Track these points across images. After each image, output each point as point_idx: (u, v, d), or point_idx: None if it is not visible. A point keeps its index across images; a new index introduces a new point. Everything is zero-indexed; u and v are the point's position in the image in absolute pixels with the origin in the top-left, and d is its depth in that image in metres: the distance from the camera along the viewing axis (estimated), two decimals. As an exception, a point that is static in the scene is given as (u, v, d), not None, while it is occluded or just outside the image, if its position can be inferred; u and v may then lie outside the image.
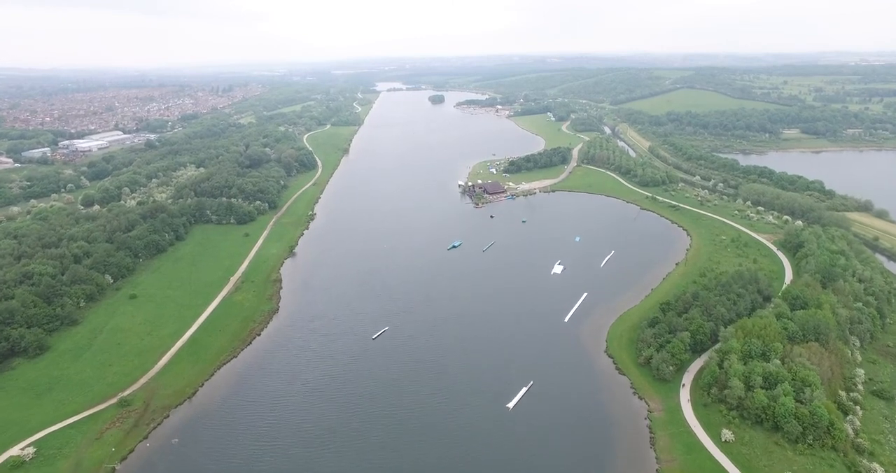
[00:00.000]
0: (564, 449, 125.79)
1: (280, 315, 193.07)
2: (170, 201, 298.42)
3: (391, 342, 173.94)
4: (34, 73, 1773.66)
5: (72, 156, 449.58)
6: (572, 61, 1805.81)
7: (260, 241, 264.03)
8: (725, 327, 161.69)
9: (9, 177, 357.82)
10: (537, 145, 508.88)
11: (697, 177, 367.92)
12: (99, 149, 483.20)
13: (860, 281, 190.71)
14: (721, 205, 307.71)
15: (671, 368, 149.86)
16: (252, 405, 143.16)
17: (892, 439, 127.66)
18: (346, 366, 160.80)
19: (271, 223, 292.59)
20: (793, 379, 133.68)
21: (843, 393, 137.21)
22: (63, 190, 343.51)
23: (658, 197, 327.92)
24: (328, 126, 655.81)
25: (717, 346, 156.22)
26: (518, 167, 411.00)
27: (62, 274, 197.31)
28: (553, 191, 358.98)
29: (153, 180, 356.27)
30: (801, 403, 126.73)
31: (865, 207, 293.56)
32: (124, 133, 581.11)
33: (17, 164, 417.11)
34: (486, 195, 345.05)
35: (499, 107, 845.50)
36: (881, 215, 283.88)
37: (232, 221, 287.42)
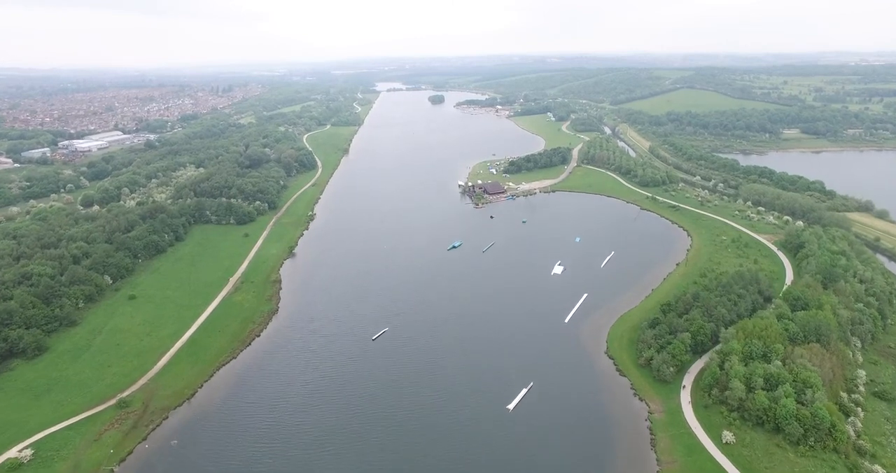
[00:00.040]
0: (565, 451, 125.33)
1: (279, 315, 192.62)
2: (169, 201, 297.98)
3: (391, 343, 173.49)
4: (34, 73, 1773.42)
5: (71, 156, 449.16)
6: (572, 61, 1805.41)
7: (259, 242, 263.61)
8: (726, 328, 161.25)
9: (8, 177, 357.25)
10: (537, 145, 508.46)
11: (698, 178, 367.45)
12: (98, 149, 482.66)
13: (861, 281, 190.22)
14: (721, 206, 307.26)
15: (672, 369, 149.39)
16: (251, 406, 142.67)
17: (893, 441, 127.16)
18: (345, 367, 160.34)
19: (271, 223, 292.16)
20: (794, 381, 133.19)
21: (844, 395, 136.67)
22: (62, 190, 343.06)
23: (658, 197, 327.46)
24: (328, 126, 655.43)
25: (718, 347, 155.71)
26: (518, 167, 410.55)
27: (61, 275, 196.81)
28: (553, 192, 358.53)
29: (153, 180, 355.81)
30: (803, 404, 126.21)
31: (866, 208, 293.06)
32: (124, 133, 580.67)
33: (16, 164, 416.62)
34: (486, 195, 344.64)
35: (499, 107, 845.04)
36: (882, 215, 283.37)
37: (231, 222, 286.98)
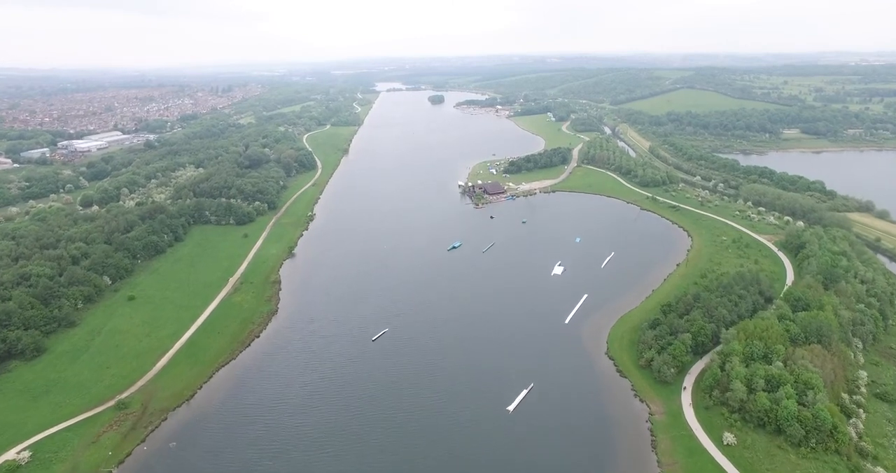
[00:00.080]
0: (565, 452, 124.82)
1: (279, 316, 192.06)
2: (169, 202, 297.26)
3: (391, 344, 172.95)
4: (34, 73, 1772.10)
5: (71, 156, 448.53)
6: (572, 61, 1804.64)
7: (259, 242, 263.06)
8: (727, 329, 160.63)
9: (7, 177, 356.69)
10: (537, 145, 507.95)
11: (698, 178, 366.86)
12: (98, 149, 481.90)
13: (862, 282, 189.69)
14: (722, 206, 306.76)
15: (672, 370, 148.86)
16: (250, 407, 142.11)
17: (895, 442, 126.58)
18: (345, 368, 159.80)
19: (270, 224, 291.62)
20: (795, 382, 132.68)
21: (845, 396, 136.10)
22: (62, 190, 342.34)
23: (658, 197, 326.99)
24: (328, 126, 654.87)
25: (719, 348, 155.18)
26: (518, 167, 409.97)
27: (60, 276, 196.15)
28: (553, 192, 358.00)
29: (152, 181, 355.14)
30: (804, 406, 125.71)
31: (867, 208, 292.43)
32: (123, 133, 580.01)
33: (15, 165, 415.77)
34: (486, 195, 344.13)
35: (499, 107, 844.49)
36: (882, 216, 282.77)
37: (231, 222, 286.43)
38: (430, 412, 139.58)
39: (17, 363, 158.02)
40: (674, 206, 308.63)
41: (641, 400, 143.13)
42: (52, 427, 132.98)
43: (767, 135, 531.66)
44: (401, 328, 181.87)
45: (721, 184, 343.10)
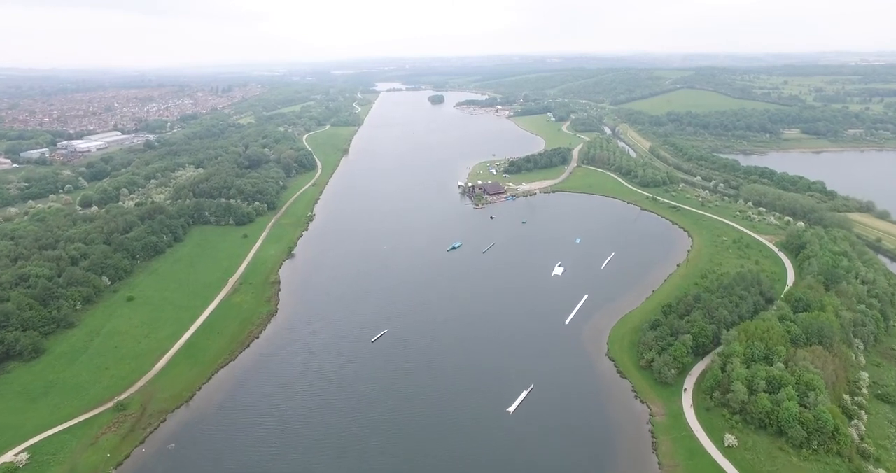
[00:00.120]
0: (566, 454, 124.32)
1: (278, 317, 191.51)
2: (168, 202, 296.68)
3: (391, 345, 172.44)
4: (34, 73, 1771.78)
5: (70, 156, 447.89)
6: (572, 61, 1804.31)
7: (259, 242, 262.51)
8: (728, 330, 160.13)
9: (7, 177, 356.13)
10: (537, 145, 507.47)
11: (698, 178, 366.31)
12: (98, 149, 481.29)
13: (863, 282, 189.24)
14: (722, 206, 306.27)
15: (673, 371, 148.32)
16: (250, 409, 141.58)
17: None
18: (344, 369, 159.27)
19: (270, 224, 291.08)
20: (796, 383, 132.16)
21: (847, 397, 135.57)
22: (61, 190, 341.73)
23: (659, 197, 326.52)
24: (328, 126, 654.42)
25: (720, 349, 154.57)
26: (518, 167, 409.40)
27: (59, 277, 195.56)
28: (553, 192, 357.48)
29: (151, 181, 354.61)
30: (806, 407, 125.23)
31: (867, 208, 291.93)
32: (123, 133, 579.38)
33: (15, 165, 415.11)
34: (485, 196, 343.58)
35: (499, 107, 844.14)
36: (883, 216, 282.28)
37: (231, 222, 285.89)
38: (431, 413, 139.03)
39: (16, 364, 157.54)
40: (674, 207, 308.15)
41: (642, 402, 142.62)
42: (50, 428, 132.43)
43: (768, 135, 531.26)
44: (400, 329, 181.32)
45: (721, 185, 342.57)
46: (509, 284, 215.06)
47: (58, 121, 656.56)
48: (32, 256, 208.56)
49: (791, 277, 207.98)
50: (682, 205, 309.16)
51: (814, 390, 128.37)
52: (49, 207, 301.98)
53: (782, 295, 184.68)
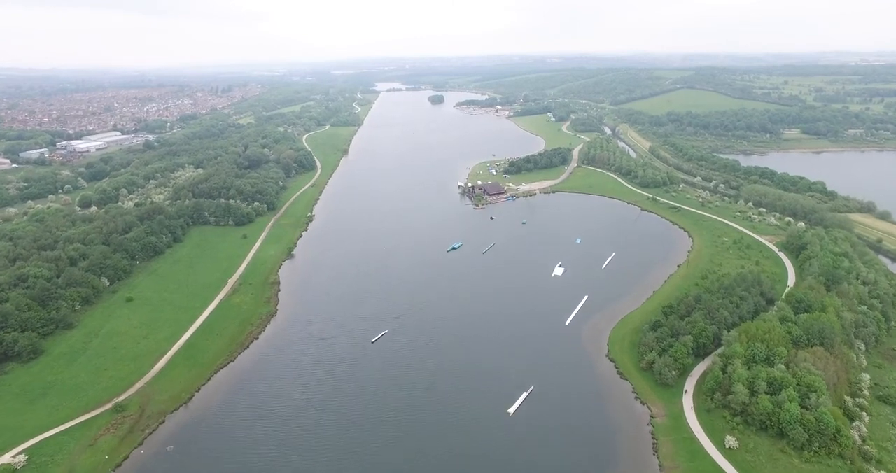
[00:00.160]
0: (566, 455, 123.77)
1: (278, 318, 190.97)
2: (167, 202, 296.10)
3: (390, 345, 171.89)
4: (33, 73, 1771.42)
5: (69, 156, 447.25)
6: (572, 61, 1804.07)
7: (258, 243, 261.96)
8: (728, 331, 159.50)
9: (6, 177, 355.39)
10: (537, 146, 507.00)
11: (698, 178, 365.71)
12: (97, 149, 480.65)
13: (864, 283, 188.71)
14: (722, 207, 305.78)
15: (674, 373, 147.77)
16: (249, 410, 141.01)
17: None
18: (344, 371, 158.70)
19: (270, 224, 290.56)
20: (798, 385, 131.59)
21: (848, 399, 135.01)
22: (60, 191, 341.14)
23: (659, 198, 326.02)
24: (327, 126, 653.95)
25: (721, 350, 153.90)
26: (518, 168, 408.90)
27: (57, 277, 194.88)
28: (553, 192, 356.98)
29: (151, 181, 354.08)
30: (807, 409, 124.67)
31: (868, 208, 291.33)
32: (123, 133, 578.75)
33: (14, 165, 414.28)
34: (485, 196, 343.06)
35: (498, 107, 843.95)
36: (884, 216, 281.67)
37: (230, 223, 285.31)
38: (430, 414, 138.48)
39: (14, 365, 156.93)
40: (674, 207, 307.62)
41: (642, 403, 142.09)
42: (48, 430, 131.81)
43: (768, 135, 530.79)
44: (400, 329, 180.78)
45: (722, 185, 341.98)
46: (509, 285, 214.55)
47: (57, 121, 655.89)
48: (31, 257, 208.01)
49: (792, 278, 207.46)
50: (683, 206, 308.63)
51: (815, 391, 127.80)
52: (48, 208, 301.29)
53: (783, 296, 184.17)
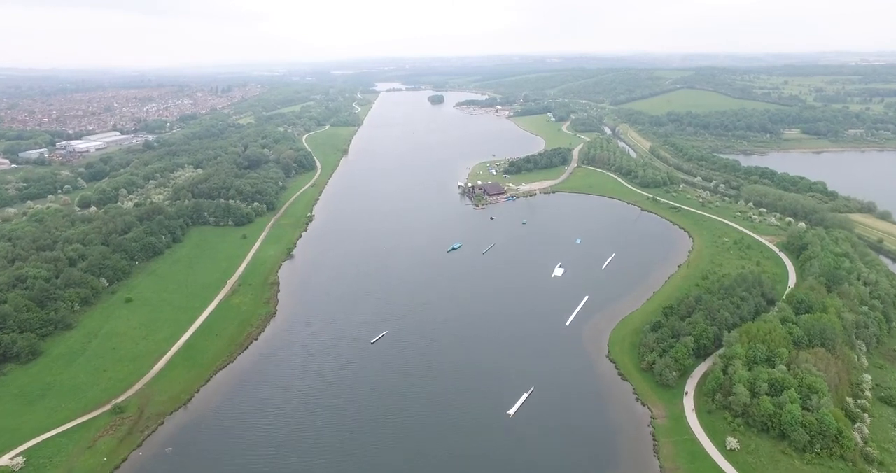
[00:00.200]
0: (566, 457, 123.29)
1: (277, 318, 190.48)
2: (167, 203, 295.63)
3: (390, 346, 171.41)
4: (33, 73, 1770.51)
5: (69, 156, 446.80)
6: (572, 61, 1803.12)
7: (258, 243, 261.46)
8: (729, 331, 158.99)
9: (5, 178, 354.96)
10: (537, 146, 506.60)
11: (699, 178, 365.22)
12: (97, 149, 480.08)
13: (865, 284, 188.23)
14: (723, 207, 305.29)
15: (674, 374, 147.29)
16: (248, 411, 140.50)
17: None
18: (344, 371, 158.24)
19: (269, 225, 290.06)
20: (799, 386, 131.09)
21: (850, 400, 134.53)
22: (60, 191, 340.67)
23: (659, 198, 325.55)
24: (327, 126, 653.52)
25: (721, 351, 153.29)
26: (518, 168, 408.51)
27: (56, 278, 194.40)
28: (553, 193, 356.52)
29: (150, 181, 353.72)
30: (808, 410, 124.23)
31: (868, 209, 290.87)
32: (122, 134, 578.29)
33: (13, 165, 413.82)
34: (485, 196, 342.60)
35: (498, 107, 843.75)
36: (884, 216, 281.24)
37: (230, 223, 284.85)
38: (430, 416, 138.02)
39: (13, 366, 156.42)
40: (675, 207, 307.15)
41: (643, 404, 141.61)
42: (47, 431, 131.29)
43: (768, 135, 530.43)
44: (400, 330, 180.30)
45: (722, 185, 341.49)
46: (509, 285, 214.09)
47: (57, 121, 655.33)
48: (30, 257, 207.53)
49: (792, 278, 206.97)
50: (683, 206, 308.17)
51: (816, 393, 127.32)
52: (47, 208, 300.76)
53: (784, 297, 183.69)
